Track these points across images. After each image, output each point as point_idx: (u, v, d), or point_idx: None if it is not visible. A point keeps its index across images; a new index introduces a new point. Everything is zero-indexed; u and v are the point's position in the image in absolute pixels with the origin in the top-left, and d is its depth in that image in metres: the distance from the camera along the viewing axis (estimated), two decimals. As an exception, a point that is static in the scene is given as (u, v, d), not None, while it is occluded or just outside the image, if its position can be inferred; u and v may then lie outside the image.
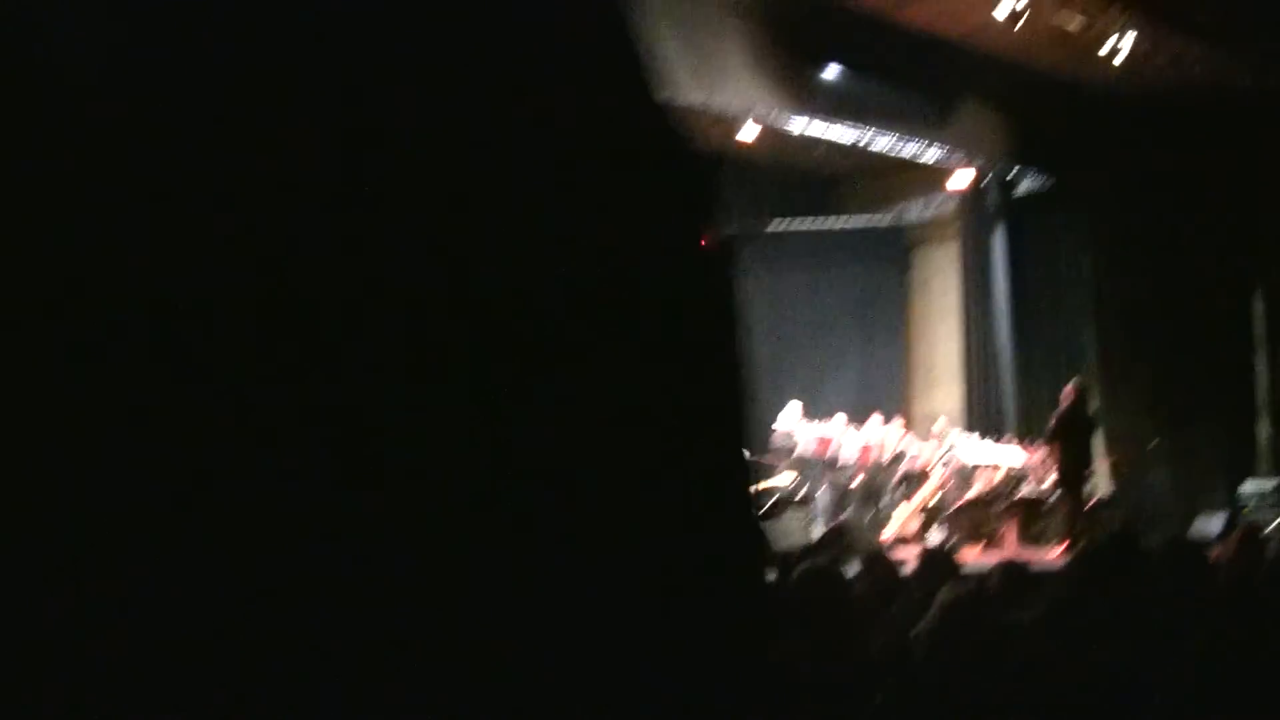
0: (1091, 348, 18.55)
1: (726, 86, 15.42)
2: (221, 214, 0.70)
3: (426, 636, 0.70)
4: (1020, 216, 19.19)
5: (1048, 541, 16.11)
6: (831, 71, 16.37)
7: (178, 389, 0.68)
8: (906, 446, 17.51)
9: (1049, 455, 15.70)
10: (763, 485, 16.05)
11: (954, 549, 15.42)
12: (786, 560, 7.30)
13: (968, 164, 18.35)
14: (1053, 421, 15.22)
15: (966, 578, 6.20)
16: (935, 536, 16.57)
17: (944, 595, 3.74)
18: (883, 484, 17.26)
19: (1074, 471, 14.88)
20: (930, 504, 16.54)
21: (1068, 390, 15.45)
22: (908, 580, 6.38)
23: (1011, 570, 6.19)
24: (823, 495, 17.05)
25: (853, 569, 7.29)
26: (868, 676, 3.83)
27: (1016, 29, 14.64)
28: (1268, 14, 15.70)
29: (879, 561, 6.59)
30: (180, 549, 0.67)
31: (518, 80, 0.77)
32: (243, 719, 0.68)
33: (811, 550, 6.97)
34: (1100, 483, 17.72)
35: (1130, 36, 15.22)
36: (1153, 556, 5.28)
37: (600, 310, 0.75)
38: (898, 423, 18.17)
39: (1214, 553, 7.16)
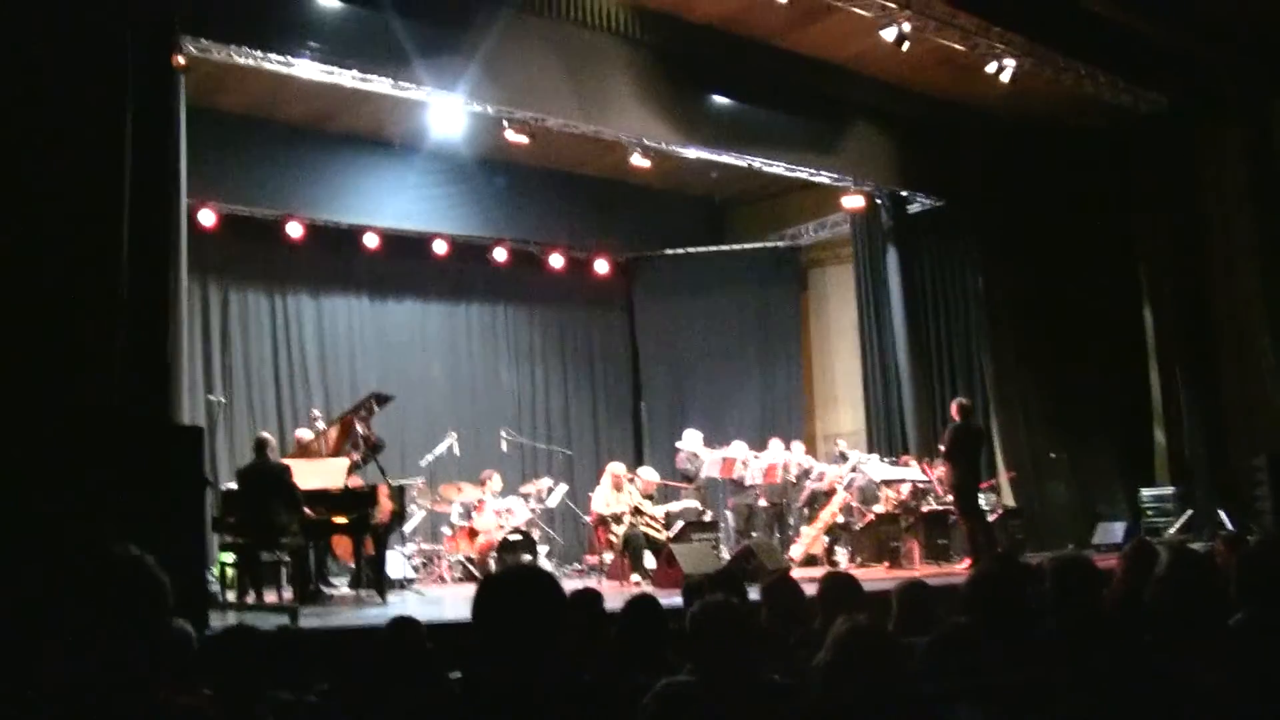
0: (987, 363, 18.80)
1: (618, 115, 15.51)
2: None
3: None
4: (912, 236, 19.40)
5: (953, 555, 16.32)
6: (722, 97, 16.49)
7: None
8: (811, 467, 17.63)
9: (946, 471, 15.88)
10: (670, 509, 16.14)
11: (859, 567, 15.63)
12: (693, 587, 7.36)
13: (859, 186, 18.54)
14: (945, 438, 15.39)
15: (867, 600, 6.28)
16: (841, 555, 16.72)
17: (840, 626, 3.80)
18: (789, 504, 17.38)
19: (967, 486, 15.04)
20: (835, 523, 16.68)
21: (952, 407, 15.63)
22: (812, 602, 6.43)
23: (911, 590, 6.28)
24: (729, 518, 17.15)
25: (758, 592, 7.36)
26: (767, 710, 3.89)
27: (903, 51, 14.84)
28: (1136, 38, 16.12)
29: (784, 585, 6.63)
30: None
31: None
32: None
33: (715, 580, 6.98)
34: (1003, 495, 17.99)
35: (1013, 57, 15.49)
36: (1043, 571, 5.37)
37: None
38: (800, 444, 18.29)
39: (1112, 562, 7.31)
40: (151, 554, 2.34)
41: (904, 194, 19.16)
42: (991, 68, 15.64)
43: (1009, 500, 17.96)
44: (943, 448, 15.48)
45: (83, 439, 8.43)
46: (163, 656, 2.24)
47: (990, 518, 15.92)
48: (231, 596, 12.35)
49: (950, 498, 15.93)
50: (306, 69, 13.37)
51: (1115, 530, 17.44)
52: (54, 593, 2.13)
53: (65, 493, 7.96)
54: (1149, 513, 18.07)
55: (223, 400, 16.40)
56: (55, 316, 8.74)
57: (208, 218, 16.49)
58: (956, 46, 15.51)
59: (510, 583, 3.19)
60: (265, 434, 13.41)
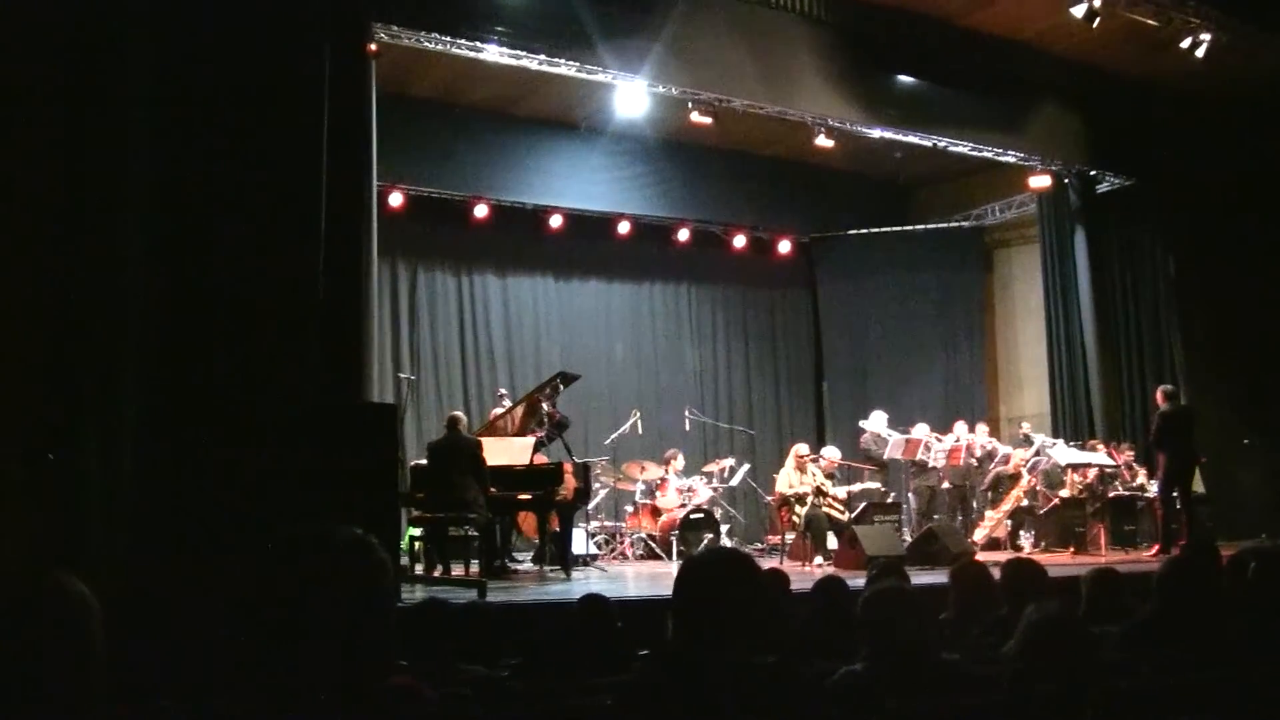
0: (1177, 347, 18.36)
1: (802, 95, 15.49)
2: None
3: None
4: (1101, 216, 19.00)
5: (1140, 542, 16.04)
6: (906, 77, 16.35)
7: None
8: (995, 449, 17.43)
9: (1157, 459, 15.44)
10: (852, 490, 16.08)
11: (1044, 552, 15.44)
12: (880, 569, 7.34)
13: (1046, 165, 18.22)
14: (1155, 423, 15.04)
15: (1053, 586, 6.22)
16: (1025, 539, 16.53)
17: (1031, 614, 3.78)
18: (972, 487, 17.22)
19: (1171, 472, 14.72)
20: (1020, 506, 16.50)
21: (1157, 395, 15.32)
22: (996, 588, 6.37)
23: (1102, 578, 6.21)
24: (911, 500, 17.04)
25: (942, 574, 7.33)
26: (953, 697, 3.89)
27: (1092, 28, 14.58)
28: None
29: (973, 570, 6.58)
30: None
31: None
32: None
33: (887, 567, 6.97)
34: (1193, 482, 17.56)
35: (1207, 31, 15.11)
36: (1240, 561, 5.26)
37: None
38: (984, 426, 18.09)
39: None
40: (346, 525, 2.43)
41: (1092, 173, 18.79)
42: (1185, 43, 15.27)
43: (1199, 487, 17.52)
44: (1154, 433, 15.14)
45: (285, 419, 8.70)
46: (392, 635, 2.33)
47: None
48: (419, 570, 12.63)
49: (1139, 482, 15.75)
50: (494, 54, 13.61)
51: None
52: (287, 576, 2.23)
53: (272, 472, 8.23)
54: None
55: (412, 378, 16.74)
56: (259, 299, 9.02)
57: (396, 200, 16.86)
58: (1149, 22, 15.17)
59: (713, 564, 3.26)
60: (458, 412, 13.69)
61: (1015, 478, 16.65)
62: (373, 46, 12.21)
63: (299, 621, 2.16)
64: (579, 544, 14.67)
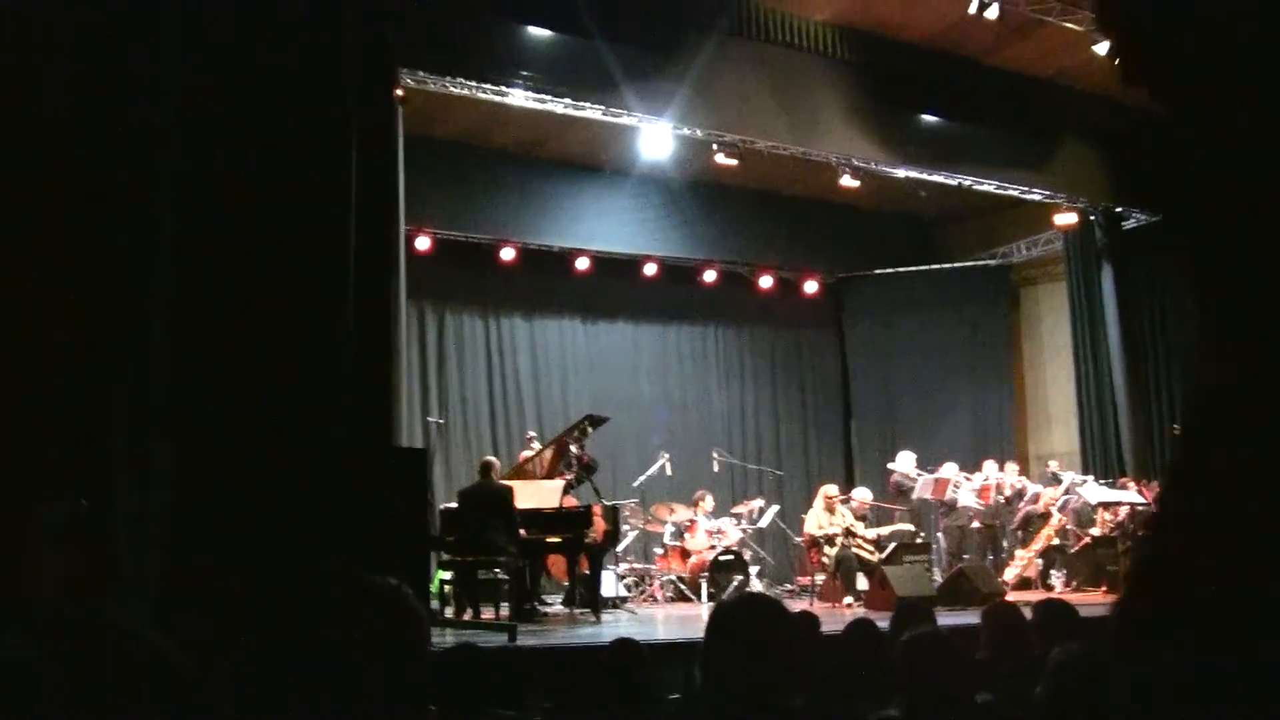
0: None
1: (827, 136, 15.54)
2: None
3: None
4: (1128, 253, 18.95)
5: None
6: (930, 116, 16.37)
7: None
8: (1025, 488, 17.35)
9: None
10: (881, 532, 16.02)
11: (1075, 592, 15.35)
12: (906, 611, 7.32)
13: (1072, 202, 18.21)
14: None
15: (1086, 627, 6.19)
16: (1056, 578, 16.44)
17: (1058, 655, 3.77)
18: (1002, 526, 17.13)
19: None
20: (1051, 545, 16.41)
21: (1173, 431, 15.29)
22: (1028, 628, 6.35)
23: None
24: (940, 540, 16.97)
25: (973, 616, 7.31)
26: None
27: (1116, 64, 14.58)
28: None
29: (1004, 611, 6.56)
30: None
31: None
32: None
33: (913, 610, 6.94)
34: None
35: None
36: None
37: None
38: (1014, 465, 18.01)
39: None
40: (380, 575, 2.41)
41: (1118, 210, 18.76)
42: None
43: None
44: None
45: (315, 464, 8.73)
46: (423, 688, 2.32)
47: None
48: (449, 613, 12.63)
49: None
50: (519, 97, 13.72)
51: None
52: (315, 624, 2.24)
53: (303, 517, 8.26)
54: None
55: (441, 421, 16.78)
56: (287, 344, 9.07)
57: (423, 243, 16.94)
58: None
59: (743, 609, 3.26)
60: (491, 457, 13.71)
61: (1046, 516, 16.56)
62: (400, 91, 12.32)
63: (330, 674, 2.17)
64: (608, 586, 14.64)
